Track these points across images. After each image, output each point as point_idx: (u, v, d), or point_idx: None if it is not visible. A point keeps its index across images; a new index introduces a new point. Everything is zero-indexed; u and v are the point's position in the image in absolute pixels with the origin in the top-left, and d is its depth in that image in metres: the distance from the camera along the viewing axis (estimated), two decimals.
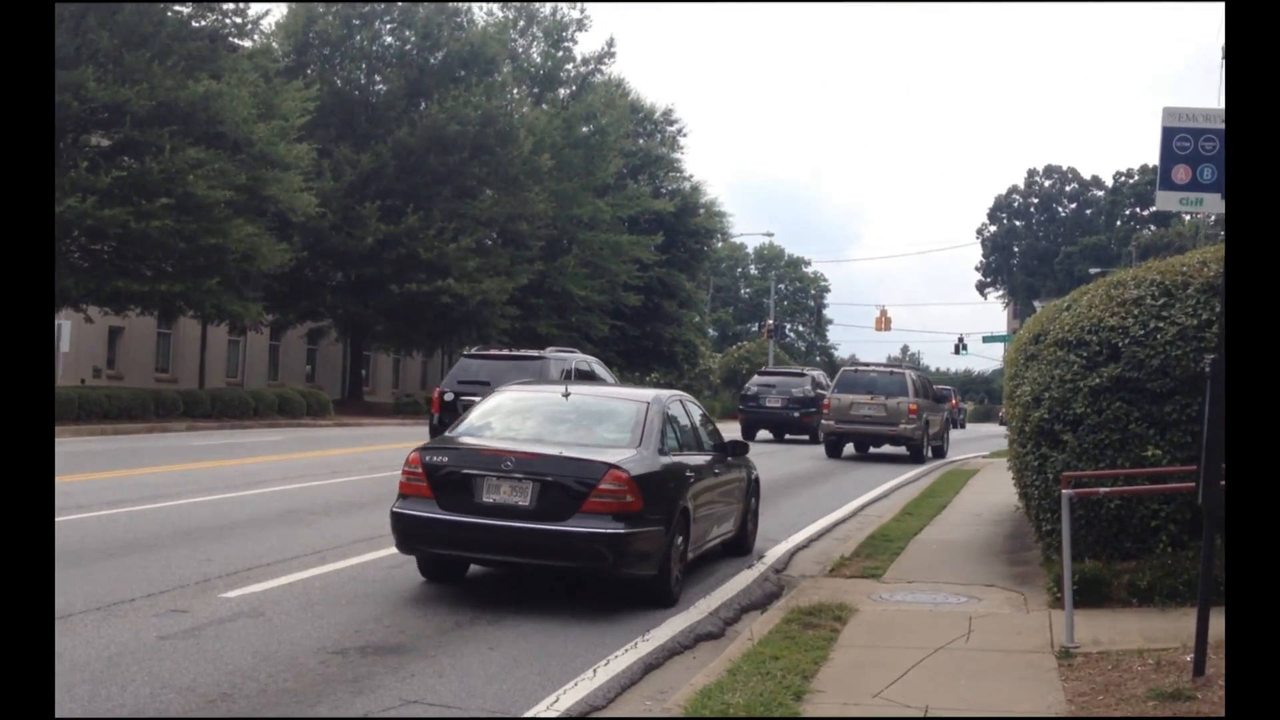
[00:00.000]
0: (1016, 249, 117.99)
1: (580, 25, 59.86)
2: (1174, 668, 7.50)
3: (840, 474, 25.07)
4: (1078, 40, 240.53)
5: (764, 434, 36.65)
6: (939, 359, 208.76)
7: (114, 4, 31.71)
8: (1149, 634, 8.60)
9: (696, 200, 68.59)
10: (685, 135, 73.14)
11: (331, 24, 46.91)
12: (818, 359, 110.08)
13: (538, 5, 59.14)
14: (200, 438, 28.73)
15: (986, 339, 76.69)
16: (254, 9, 37.28)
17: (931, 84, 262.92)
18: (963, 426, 67.85)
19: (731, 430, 28.36)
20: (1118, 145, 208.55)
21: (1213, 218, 50.27)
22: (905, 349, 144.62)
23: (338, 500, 15.82)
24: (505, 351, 21.57)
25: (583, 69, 61.13)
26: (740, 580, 11.53)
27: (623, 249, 57.04)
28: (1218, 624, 7.34)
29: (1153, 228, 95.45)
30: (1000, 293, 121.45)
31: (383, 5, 48.02)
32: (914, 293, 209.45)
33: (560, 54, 60.04)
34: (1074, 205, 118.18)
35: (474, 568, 10.93)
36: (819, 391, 36.66)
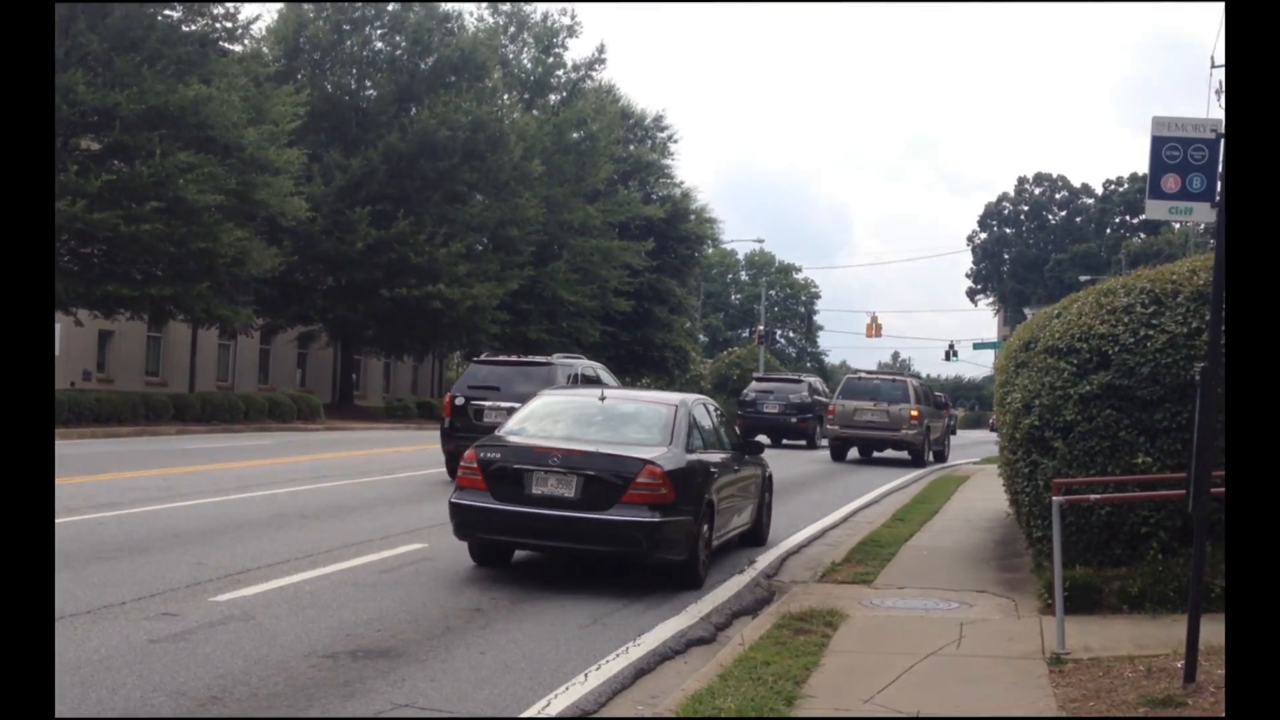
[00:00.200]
0: (1007, 256, 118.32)
1: (571, 31, 60.05)
2: (1165, 674, 7.51)
3: (833, 479, 25.09)
4: (1069, 48, 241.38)
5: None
6: (930, 365, 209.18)
7: (104, 6, 31.66)
8: (1140, 640, 8.62)
9: (687, 206, 68.64)
10: (676, 141, 73.11)
11: (322, 29, 46.90)
12: (808, 365, 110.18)
13: (528, 11, 59.25)
14: (190, 441, 28.66)
15: (977, 345, 76.65)
16: (244, 13, 37.43)
17: (923, 92, 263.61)
18: (953, 433, 67.89)
19: None
20: (1108, 153, 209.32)
21: (1202, 226, 50.45)
22: (896, 355, 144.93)
23: (329, 504, 15.80)
24: (513, 358, 22.21)
25: (573, 75, 61.22)
26: (732, 585, 11.53)
27: (613, 255, 57.07)
28: (1209, 631, 7.38)
29: (1142, 236, 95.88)
30: (991, 300, 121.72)
31: (373, 10, 48.03)
32: (905, 299, 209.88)
33: (551, 60, 60.12)
34: (1064, 213, 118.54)
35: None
36: (815, 398, 37.46)
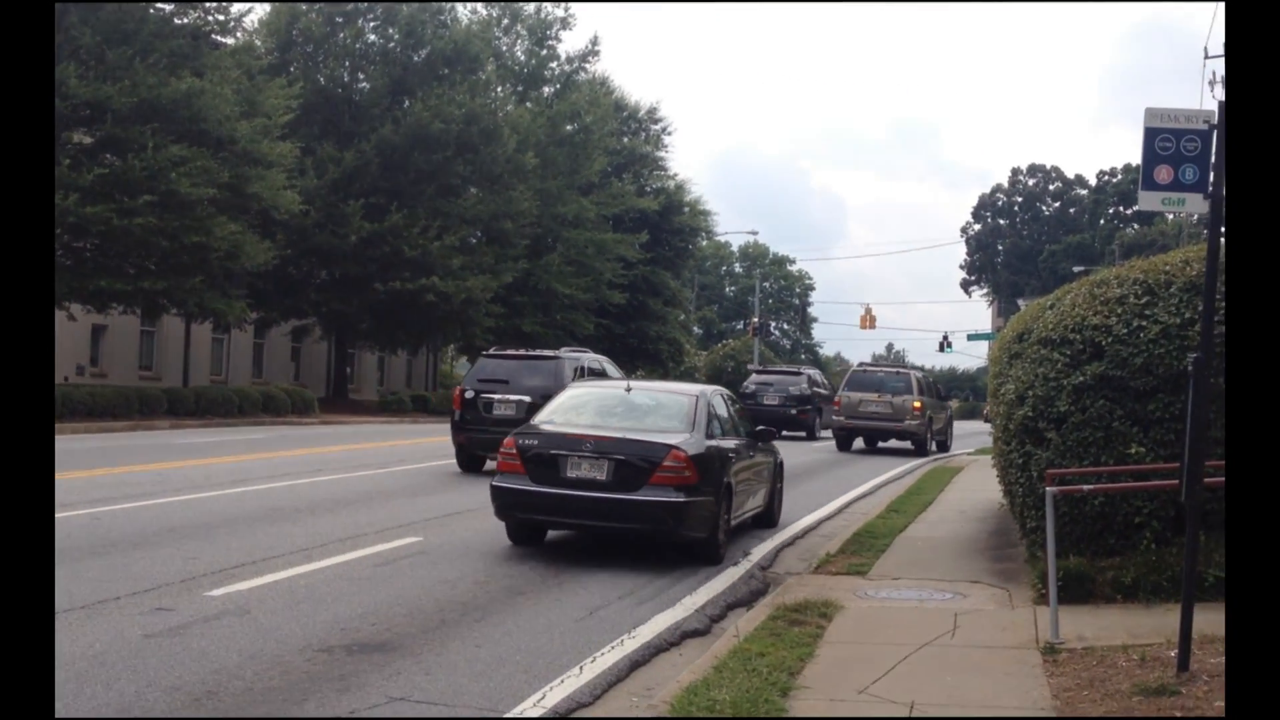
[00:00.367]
0: (1001, 247, 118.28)
1: (564, 24, 59.82)
2: (1158, 663, 7.54)
3: (829, 470, 25.16)
4: (1063, 39, 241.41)
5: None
6: (924, 356, 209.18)
7: (96, 1, 31.56)
8: (1133, 630, 8.64)
9: (681, 198, 68.57)
10: (670, 134, 73.28)
11: (314, 21, 46.76)
12: (803, 357, 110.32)
13: (521, 4, 59.08)
14: (184, 436, 28.63)
15: (971, 337, 76.85)
16: (236, 6, 37.40)
17: (916, 84, 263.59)
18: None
19: None
20: (1101, 145, 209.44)
21: (1195, 217, 50.52)
22: (890, 347, 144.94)
23: (323, 498, 15.80)
24: (522, 352, 22.66)
25: (567, 67, 61.06)
26: (726, 577, 11.55)
27: (607, 247, 57.02)
28: (1202, 620, 7.41)
29: (1136, 227, 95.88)
30: (985, 291, 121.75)
31: (365, 3, 47.88)
32: (899, 291, 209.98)
33: (544, 52, 59.96)
34: (1058, 204, 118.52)
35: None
36: (815, 389, 38.29)
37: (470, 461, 20.63)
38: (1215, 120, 7.47)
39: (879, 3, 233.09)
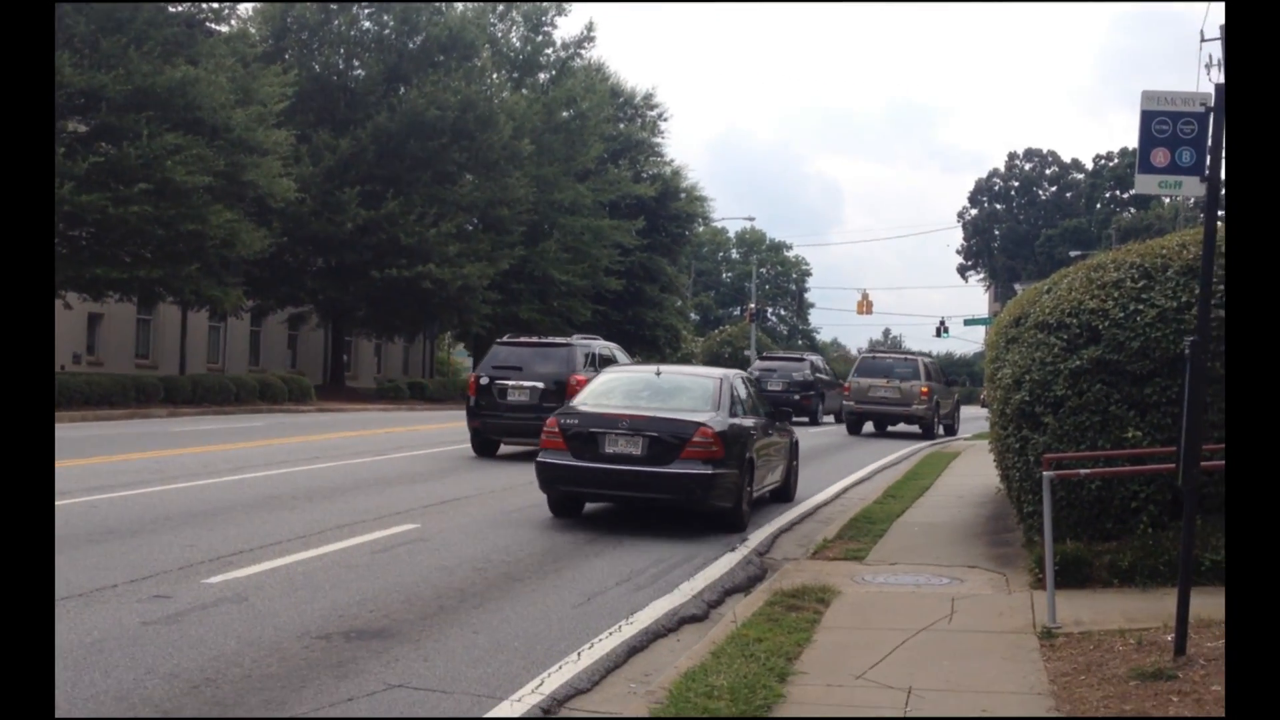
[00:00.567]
0: (997, 232, 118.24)
1: (560, 10, 59.68)
2: (1155, 647, 7.55)
3: (829, 456, 25.20)
4: (1059, 23, 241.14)
5: None
6: (920, 342, 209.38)
7: None
8: (1130, 614, 8.66)
9: (677, 185, 68.52)
10: (666, 120, 73.02)
11: (309, 9, 46.60)
12: (800, 342, 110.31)
13: None
14: (181, 424, 28.62)
15: (968, 322, 76.87)
16: None
17: (913, 68, 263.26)
18: None
19: None
20: (1098, 129, 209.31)
21: (1191, 200, 50.46)
22: (887, 332, 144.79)
23: (321, 485, 15.80)
24: (535, 339, 23.25)
25: (562, 53, 60.93)
26: (724, 563, 11.56)
27: (604, 234, 56.98)
28: (1198, 604, 7.42)
29: (1132, 210, 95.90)
30: (981, 276, 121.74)
31: None
32: (895, 276, 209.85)
33: (540, 38, 59.83)
34: (1054, 188, 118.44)
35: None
36: (817, 375, 39.24)
37: (485, 446, 21.32)
38: (1212, 103, 7.45)
39: None
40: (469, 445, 21.61)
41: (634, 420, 13.11)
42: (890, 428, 34.79)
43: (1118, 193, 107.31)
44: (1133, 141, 8.70)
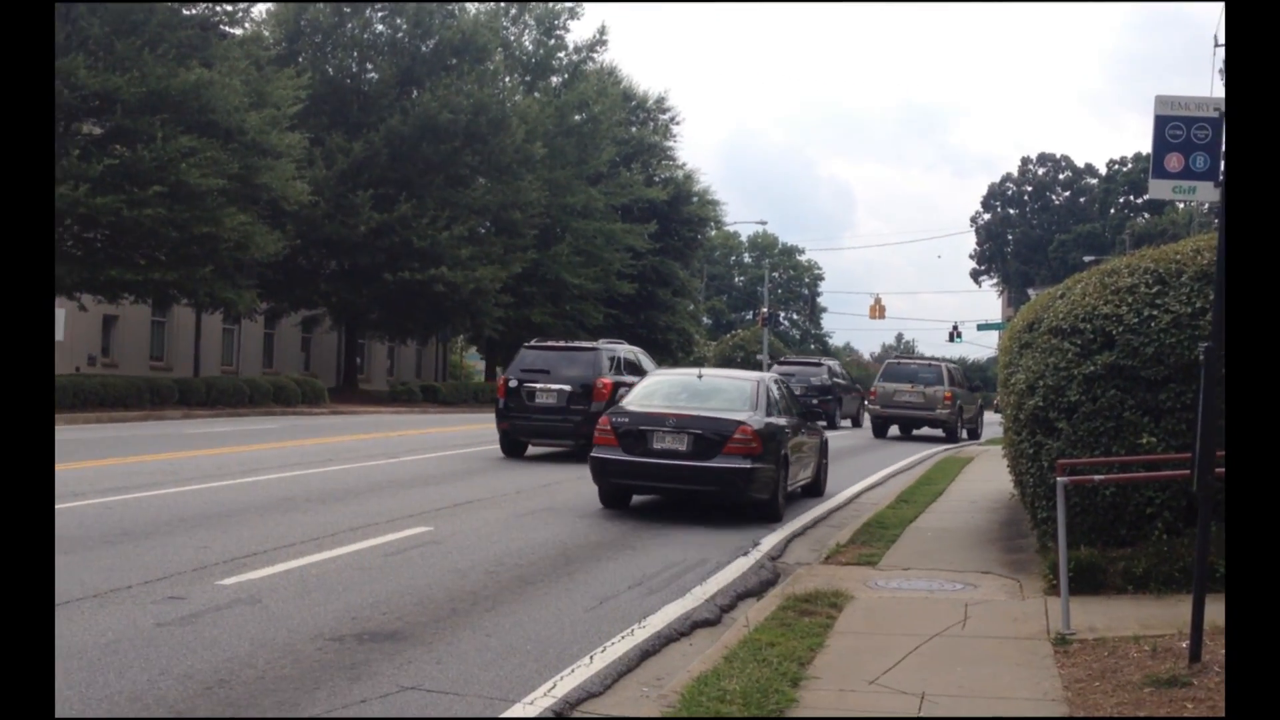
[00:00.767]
0: (1011, 237, 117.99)
1: (572, 13, 59.74)
2: (1170, 654, 7.52)
3: (844, 460, 25.11)
4: (1072, 27, 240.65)
5: None
6: (933, 346, 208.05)
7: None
8: (1145, 621, 8.63)
9: (689, 188, 68.49)
10: (678, 123, 72.94)
11: (322, 12, 46.74)
12: (812, 347, 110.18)
13: None
14: (195, 426, 28.70)
15: (981, 327, 76.57)
16: None
17: (925, 70, 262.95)
18: None
19: None
20: (1111, 134, 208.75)
21: (1206, 205, 50.28)
22: (900, 337, 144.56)
23: (334, 488, 15.82)
24: (562, 343, 23.83)
25: (575, 57, 60.99)
26: (736, 567, 11.55)
27: (616, 237, 57.00)
28: (1214, 610, 7.38)
29: (1146, 215, 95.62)
30: (994, 280, 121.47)
31: None
32: (908, 280, 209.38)
33: (552, 42, 59.89)
34: (1068, 193, 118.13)
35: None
36: (835, 380, 40.04)
37: (514, 446, 21.79)
38: (1225, 107, 7.42)
39: None
40: (481, 448, 21.72)
41: (680, 419, 14.24)
42: (915, 431, 35.78)
43: (1131, 198, 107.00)
44: (1146, 146, 8.70)
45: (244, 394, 36.60)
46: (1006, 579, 10.91)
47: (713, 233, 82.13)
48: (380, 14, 48.61)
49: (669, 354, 66.47)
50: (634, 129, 66.46)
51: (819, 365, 41.02)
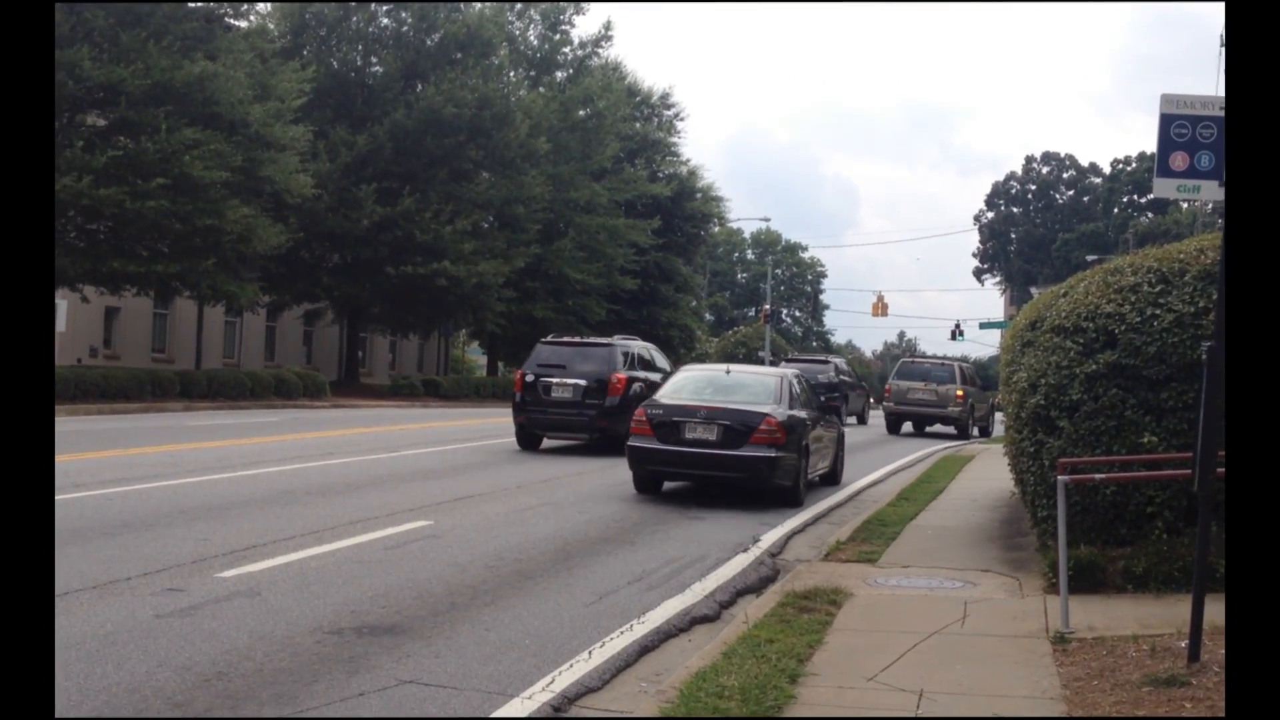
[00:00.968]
0: (1014, 235, 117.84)
1: (578, 8, 59.68)
2: (1169, 653, 7.51)
3: (847, 457, 25.18)
4: (1077, 26, 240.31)
5: None
6: (936, 345, 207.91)
7: None
8: (1144, 620, 8.62)
9: (693, 184, 68.44)
10: (682, 119, 72.97)
11: (327, 5, 46.71)
12: (814, 344, 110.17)
13: None
14: (197, 418, 28.70)
15: (984, 325, 76.47)
16: None
17: (930, 69, 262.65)
18: None
19: None
20: (1116, 132, 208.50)
21: (1210, 205, 50.25)
22: (902, 335, 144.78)
23: (335, 481, 15.83)
24: (577, 339, 24.30)
25: (580, 52, 60.92)
26: (736, 564, 11.54)
27: (619, 233, 56.97)
28: (1213, 610, 7.37)
29: (1150, 215, 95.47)
30: (997, 279, 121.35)
31: None
32: (910, 278, 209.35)
33: (557, 36, 59.83)
34: (1071, 192, 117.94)
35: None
36: (841, 377, 40.22)
37: (530, 440, 22.22)
38: None
39: None
40: (482, 443, 21.80)
41: (710, 411, 15.40)
42: (928, 428, 36.82)
43: (1135, 197, 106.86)
44: (1151, 145, 8.68)
45: (245, 387, 36.60)
46: (1006, 577, 10.90)
47: (716, 229, 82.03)
48: (385, 8, 48.58)
49: (671, 350, 66.32)
50: (638, 125, 66.38)
51: (826, 363, 41.19)
